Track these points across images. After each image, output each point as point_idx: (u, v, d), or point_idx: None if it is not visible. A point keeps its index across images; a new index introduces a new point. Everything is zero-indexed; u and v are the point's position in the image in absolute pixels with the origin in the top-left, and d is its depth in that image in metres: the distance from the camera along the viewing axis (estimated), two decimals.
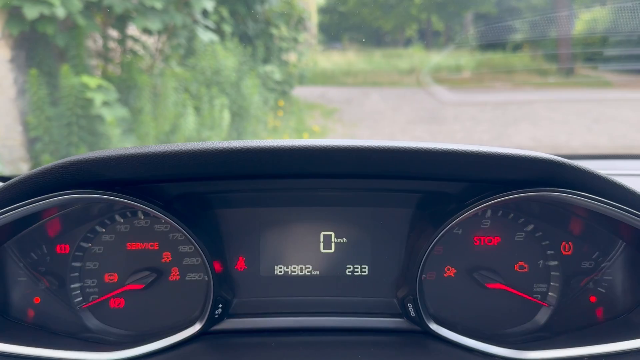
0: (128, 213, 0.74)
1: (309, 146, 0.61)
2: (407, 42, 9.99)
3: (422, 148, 0.59)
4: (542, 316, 0.73)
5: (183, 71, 5.42)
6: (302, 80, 7.74)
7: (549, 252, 0.73)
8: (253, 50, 6.71)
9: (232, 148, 0.61)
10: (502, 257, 0.73)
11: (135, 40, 5.13)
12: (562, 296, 0.73)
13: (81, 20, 4.15)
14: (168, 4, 4.64)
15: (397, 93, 9.13)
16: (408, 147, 0.59)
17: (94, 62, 5.03)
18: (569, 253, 0.73)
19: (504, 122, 7.36)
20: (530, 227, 0.73)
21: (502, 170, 0.63)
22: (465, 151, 0.60)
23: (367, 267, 0.76)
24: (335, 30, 11.97)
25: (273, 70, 7.06)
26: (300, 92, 8.55)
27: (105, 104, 4.03)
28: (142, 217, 0.74)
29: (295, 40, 7.71)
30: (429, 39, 10.31)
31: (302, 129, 7.03)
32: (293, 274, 0.76)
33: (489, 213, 0.73)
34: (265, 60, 7.21)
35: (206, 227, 0.73)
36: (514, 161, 0.61)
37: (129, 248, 0.74)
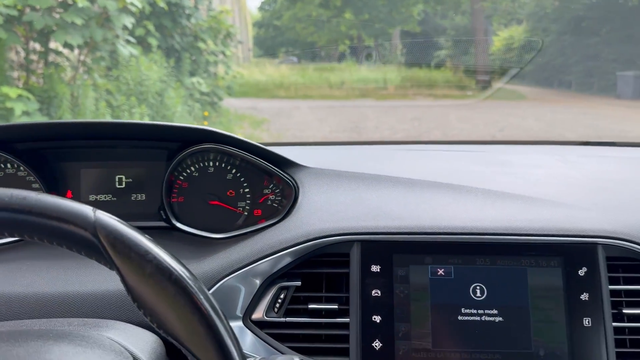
0: (7, 164, 1.34)
1: (88, 122, 1.24)
2: (341, 57, 10.68)
3: (132, 123, 1.24)
4: (242, 220, 1.38)
5: (105, 82, 5.76)
6: (230, 92, 8.25)
7: (245, 184, 1.39)
8: (177, 62, 7.11)
9: (56, 123, 1.23)
10: (221, 187, 1.38)
11: (58, 53, 5.39)
12: (251, 207, 1.38)
13: (2, 34, 4.40)
14: (89, 19, 4.95)
15: (326, 105, 9.76)
16: (123, 122, 1.23)
17: (16, 73, 5.26)
18: (256, 184, 1.39)
19: (418, 131, 8.04)
20: (234, 170, 1.38)
21: (181, 136, 1.29)
22: (156, 124, 1.25)
23: (144, 195, 1.39)
24: (270, 43, 12.65)
25: (200, 82, 7.48)
26: (232, 103, 9.05)
27: (25, 113, 4.30)
28: (10, 167, 1.34)
29: (224, 53, 8.21)
30: (360, 54, 11.03)
31: None
32: (100, 200, 1.39)
33: (211, 162, 1.38)
34: (193, 73, 7.62)
35: (47, 171, 1.34)
36: (182, 130, 1.26)
37: (6, 183, 1.34)
